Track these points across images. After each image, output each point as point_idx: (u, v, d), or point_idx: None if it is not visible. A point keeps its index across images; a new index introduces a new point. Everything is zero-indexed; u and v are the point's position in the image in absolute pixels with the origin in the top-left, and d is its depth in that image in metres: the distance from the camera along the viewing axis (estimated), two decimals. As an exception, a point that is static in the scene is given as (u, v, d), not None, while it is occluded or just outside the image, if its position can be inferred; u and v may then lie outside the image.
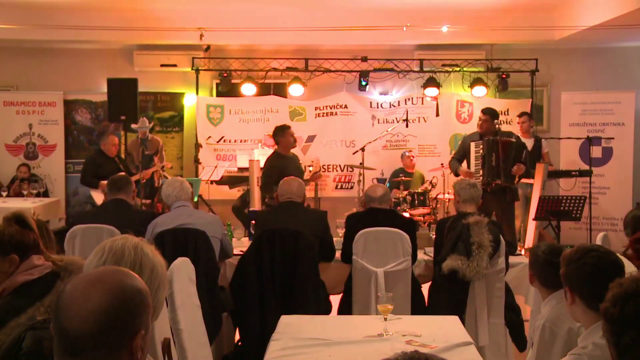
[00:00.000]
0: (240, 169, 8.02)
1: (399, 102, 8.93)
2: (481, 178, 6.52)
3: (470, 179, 6.14)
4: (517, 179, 6.67)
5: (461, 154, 6.98)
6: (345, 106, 8.85)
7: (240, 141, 8.81)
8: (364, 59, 8.67)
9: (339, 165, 8.86)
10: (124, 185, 4.93)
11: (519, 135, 7.59)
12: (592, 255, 2.32)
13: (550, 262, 2.79)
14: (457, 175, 6.95)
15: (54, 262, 2.37)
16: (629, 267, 3.31)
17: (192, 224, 4.37)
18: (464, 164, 6.92)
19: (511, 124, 8.36)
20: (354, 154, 7.68)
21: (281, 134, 6.83)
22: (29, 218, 2.43)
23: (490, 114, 6.80)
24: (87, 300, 1.40)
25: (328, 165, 8.81)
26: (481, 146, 6.66)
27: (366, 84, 8.62)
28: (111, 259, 1.89)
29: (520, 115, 8.02)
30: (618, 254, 3.46)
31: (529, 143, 7.56)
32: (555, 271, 2.51)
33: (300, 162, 7.46)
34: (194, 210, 4.66)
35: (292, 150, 7.00)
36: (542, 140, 7.97)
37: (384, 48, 8.88)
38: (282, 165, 6.61)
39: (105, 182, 5.36)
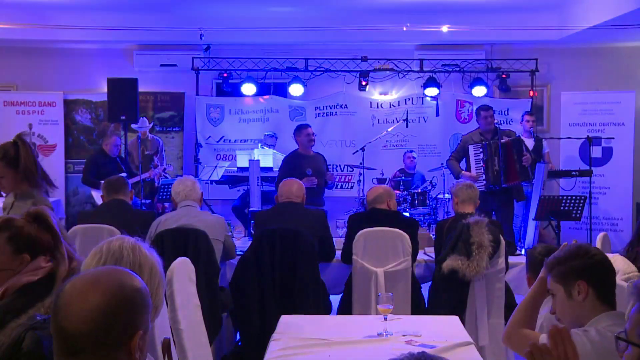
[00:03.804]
0: (240, 169, 8.02)
1: (399, 102, 8.93)
2: (484, 182, 6.53)
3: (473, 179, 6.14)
4: (531, 172, 6.69)
5: (460, 154, 6.99)
6: (345, 106, 8.86)
7: (240, 141, 8.81)
8: (364, 59, 8.66)
9: (339, 165, 8.86)
10: (121, 186, 4.95)
11: (520, 134, 7.60)
12: (595, 249, 2.41)
13: None
14: (457, 178, 6.94)
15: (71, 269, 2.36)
16: (629, 267, 3.31)
17: (196, 225, 4.37)
18: (463, 164, 6.93)
19: (511, 124, 8.36)
20: (354, 154, 7.68)
21: (297, 133, 7.01)
22: (49, 218, 2.42)
23: (492, 109, 6.93)
24: (85, 300, 1.39)
25: (328, 165, 8.79)
26: (480, 149, 6.66)
27: (366, 84, 8.62)
28: (110, 260, 1.89)
29: (530, 114, 8.00)
30: (618, 254, 3.47)
31: (530, 143, 7.56)
32: None
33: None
34: (199, 211, 4.65)
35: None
36: (543, 140, 7.97)
37: (384, 48, 8.88)
38: (294, 164, 6.67)
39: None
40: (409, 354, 1.23)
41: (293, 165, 6.70)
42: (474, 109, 8.61)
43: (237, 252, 4.81)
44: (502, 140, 6.59)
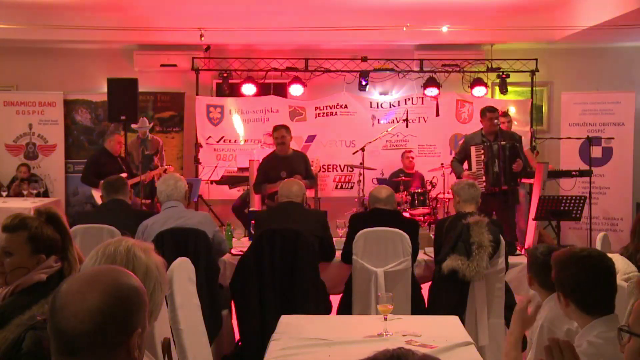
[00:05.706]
0: (240, 169, 8.02)
1: (399, 102, 8.93)
2: (484, 184, 6.52)
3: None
4: (519, 179, 6.67)
5: (462, 155, 6.97)
6: (345, 106, 8.86)
7: (240, 141, 8.82)
8: (364, 59, 8.67)
9: (339, 165, 8.86)
10: (120, 186, 4.93)
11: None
12: (585, 262, 2.31)
13: (549, 264, 2.79)
14: (459, 178, 6.92)
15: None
16: (629, 267, 3.31)
17: (182, 226, 4.33)
18: (466, 165, 6.93)
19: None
20: (354, 154, 7.68)
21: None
22: (61, 219, 2.45)
23: (497, 111, 6.85)
24: (82, 299, 1.39)
25: (328, 165, 8.81)
26: (482, 151, 6.64)
27: (366, 84, 8.62)
28: (104, 263, 1.90)
29: (504, 115, 7.95)
30: (618, 254, 3.46)
31: None
32: None
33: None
34: (185, 211, 4.57)
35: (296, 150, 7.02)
36: (522, 138, 7.92)
37: (384, 48, 8.88)
38: (270, 165, 6.63)
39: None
40: (385, 351, 1.22)
41: (268, 166, 6.65)
42: (475, 108, 8.64)
43: (237, 252, 4.80)
44: (502, 143, 6.58)
